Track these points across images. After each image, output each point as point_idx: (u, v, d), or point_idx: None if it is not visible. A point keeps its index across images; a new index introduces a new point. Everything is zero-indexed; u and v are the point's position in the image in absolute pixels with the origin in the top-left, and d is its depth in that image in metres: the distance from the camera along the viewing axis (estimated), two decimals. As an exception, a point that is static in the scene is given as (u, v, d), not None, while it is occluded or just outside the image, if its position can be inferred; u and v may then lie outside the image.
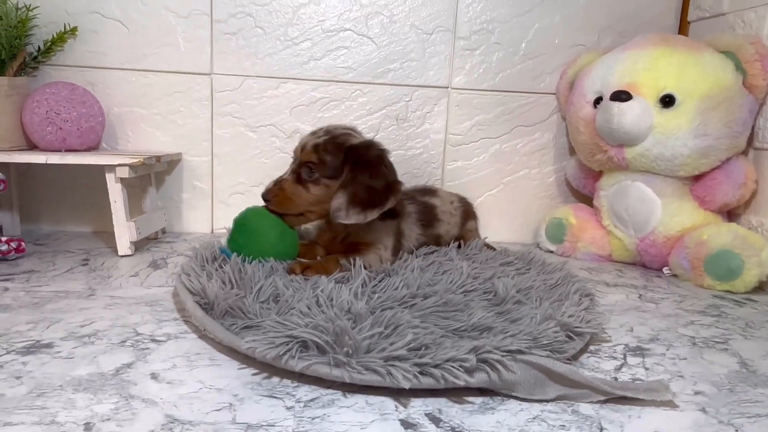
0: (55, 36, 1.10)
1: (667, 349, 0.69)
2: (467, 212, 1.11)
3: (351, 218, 0.80)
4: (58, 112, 1.02)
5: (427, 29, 1.20)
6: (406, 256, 0.93)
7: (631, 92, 1.01)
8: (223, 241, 0.87)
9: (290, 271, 0.80)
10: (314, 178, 0.84)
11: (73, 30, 1.12)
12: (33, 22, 1.08)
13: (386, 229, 0.90)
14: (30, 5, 1.07)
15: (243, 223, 0.84)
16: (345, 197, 0.81)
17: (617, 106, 1.01)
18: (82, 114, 1.04)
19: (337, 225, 0.86)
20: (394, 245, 0.91)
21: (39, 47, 1.11)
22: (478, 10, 1.20)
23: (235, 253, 0.81)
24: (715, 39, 1.05)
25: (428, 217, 1.02)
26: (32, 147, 1.09)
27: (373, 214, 0.81)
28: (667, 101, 1.00)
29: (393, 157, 1.21)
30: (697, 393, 0.58)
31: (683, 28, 1.25)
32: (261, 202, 0.86)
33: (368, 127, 1.22)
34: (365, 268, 0.81)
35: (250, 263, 0.79)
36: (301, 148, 0.85)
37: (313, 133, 0.87)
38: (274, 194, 0.84)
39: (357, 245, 0.88)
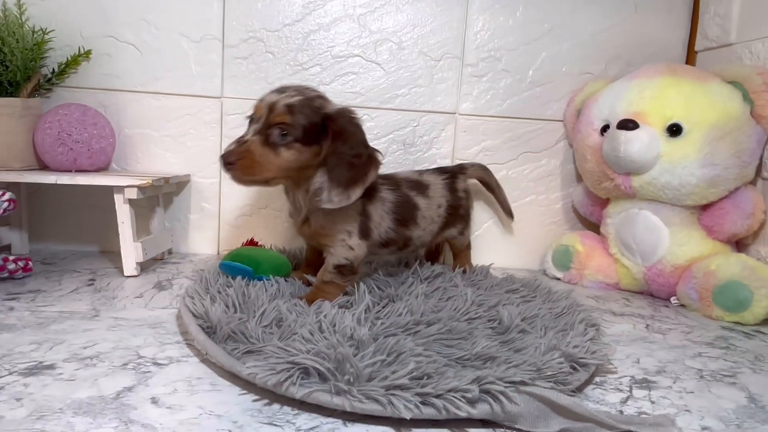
0: (69, 59, 1.13)
1: (674, 382, 0.68)
2: (453, 217, 1.02)
3: (334, 201, 0.75)
4: (69, 133, 1.03)
5: (435, 56, 1.22)
6: (411, 280, 0.92)
7: (638, 121, 1.01)
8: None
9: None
10: (287, 142, 0.75)
11: (87, 53, 1.14)
12: (48, 45, 1.11)
13: (346, 210, 0.80)
14: (46, 29, 1.10)
15: (236, 255, 0.90)
16: (326, 177, 0.75)
17: (624, 134, 1.01)
18: (94, 135, 1.06)
19: (301, 208, 0.83)
20: (360, 229, 0.83)
21: (53, 69, 1.13)
22: (485, 37, 1.22)
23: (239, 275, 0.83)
24: (722, 69, 1.06)
25: (405, 215, 0.91)
26: (43, 167, 1.11)
27: (356, 194, 0.76)
28: (674, 130, 1.00)
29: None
30: (704, 428, 0.56)
31: (690, 58, 1.26)
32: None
33: (375, 151, 1.23)
34: (341, 267, 0.82)
35: (252, 281, 0.82)
36: (269, 108, 0.76)
37: (281, 91, 0.78)
38: (240, 156, 0.74)
39: (319, 236, 0.83)
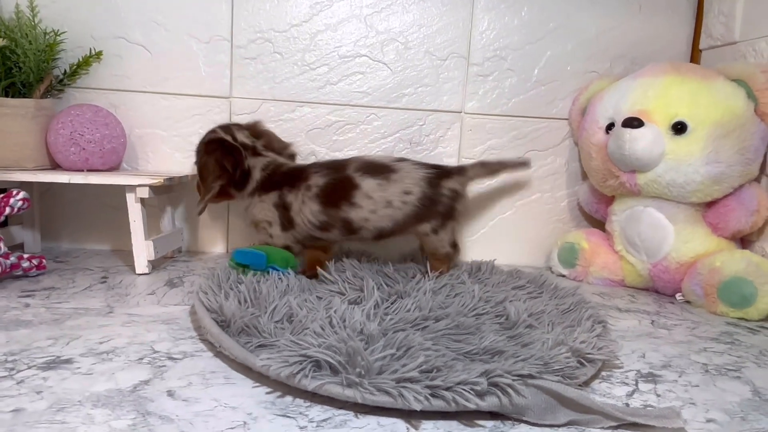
0: (80, 60, 1.14)
1: (680, 376, 0.69)
2: (428, 212, 0.95)
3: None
4: (82, 133, 1.05)
5: (441, 55, 1.23)
6: (418, 277, 0.93)
7: (643, 119, 1.02)
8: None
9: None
10: None
11: (98, 54, 1.16)
12: (60, 47, 1.12)
13: (263, 204, 0.96)
14: (58, 30, 1.11)
15: (245, 251, 0.92)
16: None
17: (629, 132, 1.02)
18: (105, 135, 1.07)
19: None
20: (281, 222, 0.95)
21: (65, 70, 1.15)
22: (491, 37, 1.23)
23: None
24: (726, 67, 1.06)
25: (334, 196, 0.91)
26: (55, 166, 1.12)
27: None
28: (679, 128, 1.01)
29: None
30: (709, 421, 0.57)
31: (695, 56, 1.26)
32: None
33: (382, 150, 1.24)
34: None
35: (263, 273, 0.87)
36: None
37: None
38: None
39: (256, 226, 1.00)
